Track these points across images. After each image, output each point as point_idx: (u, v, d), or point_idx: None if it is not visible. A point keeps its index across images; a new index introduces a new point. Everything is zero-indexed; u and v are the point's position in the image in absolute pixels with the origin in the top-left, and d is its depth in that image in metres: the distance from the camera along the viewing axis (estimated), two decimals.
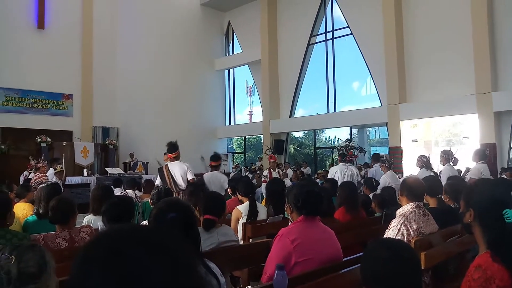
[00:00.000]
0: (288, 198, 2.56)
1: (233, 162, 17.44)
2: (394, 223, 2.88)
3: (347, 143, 13.75)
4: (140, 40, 16.39)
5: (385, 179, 7.29)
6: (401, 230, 2.80)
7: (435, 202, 3.59)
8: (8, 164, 12.03)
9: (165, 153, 6.00)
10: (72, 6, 15.29)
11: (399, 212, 2.99)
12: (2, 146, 13.09)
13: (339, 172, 7.42)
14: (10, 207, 2.84)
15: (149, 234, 0.72)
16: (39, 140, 13.03)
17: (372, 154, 12.12)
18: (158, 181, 5.80)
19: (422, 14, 12.73)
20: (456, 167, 6.88)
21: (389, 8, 13.03)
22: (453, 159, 6.68)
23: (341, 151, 10.55)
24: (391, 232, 2.83)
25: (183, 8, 17.30)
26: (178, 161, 5.80)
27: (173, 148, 5.82)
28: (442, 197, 3.81)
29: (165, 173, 5.67)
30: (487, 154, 7.57)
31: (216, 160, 6.39)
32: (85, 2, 15.64)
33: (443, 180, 5.23)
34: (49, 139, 13.16)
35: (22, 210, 4.39)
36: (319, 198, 2.51)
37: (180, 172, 5.66)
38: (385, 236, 2.85)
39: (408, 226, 2.80)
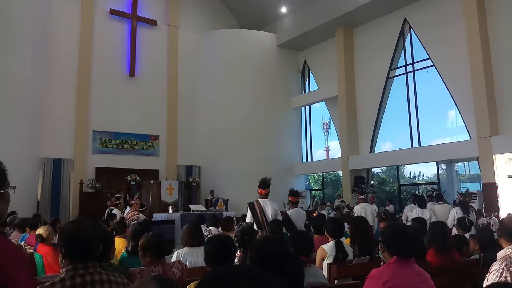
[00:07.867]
0: (381, 237, 2.54)
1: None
2: (495, 266, 2.64)
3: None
4: (220, 83, 17.29)
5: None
6: (504, 274, 2.55)
7: None
8: (101, 201, 12.84)
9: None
10: (159, 56, 16.76)
11: (500, 254, 2.74)
12: (97, 185, 14.25)
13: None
14: (113, 241, 3.06)
15: (251, 271, 0.84)
16: (129, 178, 13.98)
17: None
18: (249, 218, 5.71)
19: (511, 39, 11.92)
20: None
21: (474, 35, 12.26)
22: None
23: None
24: (492, 276, 2.60)
25: (261, 51, 17.96)
26: (268, 199, 5.74)
27: (265, 185, 5.74)
28: None
29: (257, 209, 5.58)
30: None
31: (296, 196, 6.38)
32: (171, 51, 17.09)
33: None
34: (138, 178, 14.09)
35: (117, 245, 4.68)
36: (411, 239, 2.40)
37: (271, 211, 5.56)
38: (485, 281, 2.62)
39: None
